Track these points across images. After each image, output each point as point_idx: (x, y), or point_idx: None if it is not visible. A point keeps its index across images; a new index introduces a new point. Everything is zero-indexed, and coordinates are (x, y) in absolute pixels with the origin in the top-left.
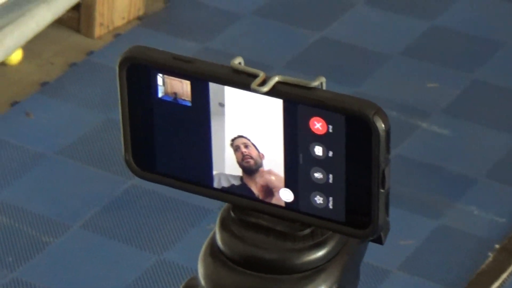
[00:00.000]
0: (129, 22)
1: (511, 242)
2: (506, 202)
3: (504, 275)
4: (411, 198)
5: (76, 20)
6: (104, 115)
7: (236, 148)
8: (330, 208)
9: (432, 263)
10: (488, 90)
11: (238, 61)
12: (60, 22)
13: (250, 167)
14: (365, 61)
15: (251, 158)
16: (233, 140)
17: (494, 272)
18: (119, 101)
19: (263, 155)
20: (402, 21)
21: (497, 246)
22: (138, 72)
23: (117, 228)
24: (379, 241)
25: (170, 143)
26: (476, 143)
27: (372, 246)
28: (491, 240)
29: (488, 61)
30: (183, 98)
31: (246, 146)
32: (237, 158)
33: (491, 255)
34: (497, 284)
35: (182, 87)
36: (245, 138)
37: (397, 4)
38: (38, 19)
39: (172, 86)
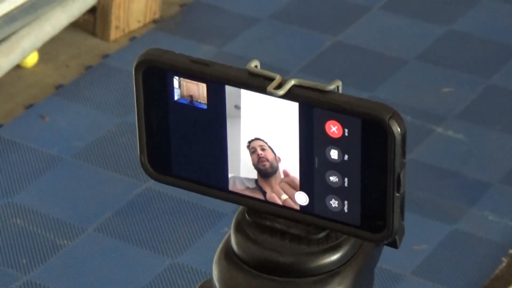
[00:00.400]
0: (144, 25)
1: None
2: None
3: None
4: (425, 203)
5: (92, 23)
6: (119, 118)
7: (252, 151)
8: (345, 212)
9: (446, 268)
10: (504, 95)
11: (254, 64)
12: (75, 25)
13: (266, 170)
14: (381, 66)
15: (267, 161)
16: (250, 142)
17: (508, 277)
18: (135, 104)
19: (279, 158)
20: (418, 25)
21: (511, 251)
22: (154, 74)
23: (131, 231)
24: (394, 245)
25: (186, 145)
26: (491, 148)
27: (386, 250)
28: (505, 245)
29: (504, 66)
30: (199, 101)
31: (262, 149)
32: (253, 160)
33: (505, 260)
34: None
35: (198, 90)
36: (262, 140)
37: (413, 8)
38: (54, 22)
39: (188, 89)
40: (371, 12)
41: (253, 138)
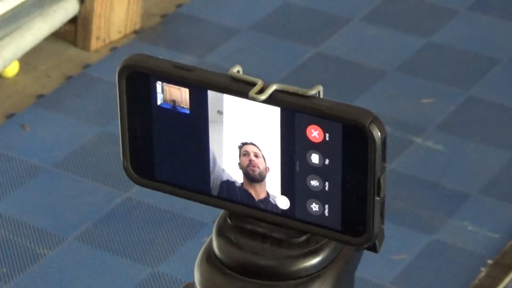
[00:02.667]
0: (125, 36)
1: (504, 258)
2: (500, 218)
3: None
4: (405, 213)
5: (73, 33)
6: (99, 128)
7: (244, 153)
8: (326, 216)
9: (425, 278)
10: (483, 106)
11: (236, 69)
12: (56, 35)
13: (254, 176)
14: (361, 77)
15: (258, 168)
16: (243, 144)
17: (487, 287)
18: (118, 108)
19: (268, 168)
20: (398, 37)
21: (490, 261)
22: (137, 79)
23: (112, 241)
24: (374, 249)
25: (169, 150)
26: (470, 159)
27: (365, 260)
28: (484, 255)
29: (483, 77)
30: (181, 105)
31: (256, 156)
32: (242, 162)
33: (483, 270)
34: None
35: (181, 95)
36: (257, 147)
37: (393, 20)
38: (35, 32)
39: (171, 94)
40: (352, 23)
41: (248, 141)
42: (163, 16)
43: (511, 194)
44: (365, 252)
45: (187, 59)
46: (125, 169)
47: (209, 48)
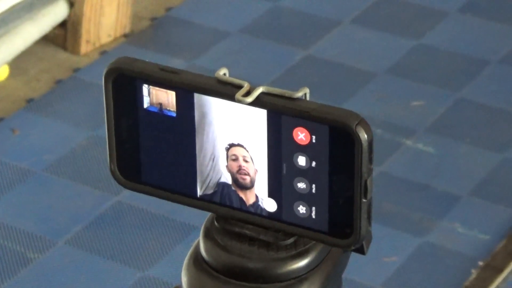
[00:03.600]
0: (115, 39)
1: (494, 260)
2: (490, 220)
3: None
4: (395, 215)
5: (62, 37)
6: (89, 132)
7: (233, 158)
8: (313, 218)
9: (415, 280)
10: (473, 108)
11: (223, 72)
12: (46, 39)
13: (246, 185)
14: (351, 79)
15: (248, 175)
16: (230, 146)
17: None
18: (105, 111)
19: (256, 170)
20: (388, 39)
21: (480, 263)
22: (124, 82)
23: (102, 244)
24: (361, 251)
25: (156, 153)
26: (460, 161)
27: (356, 262)
28: (474, 257)
29: (473, 79)
30: (168, 108)
31: (245, 160)
32: (230, 167)
33: (474, 272)
34: None
35: (168, 98)
36: (245, 149)
37: (383, 22)
38: (25, 36)
39: (158, 97)
40: (341, 26)
41: (235, 143)
42: (153, 20)
43: (501, 196)
44: (356, 254)
45: (177, 62)
46: (112, 172)
47: (199, 51)
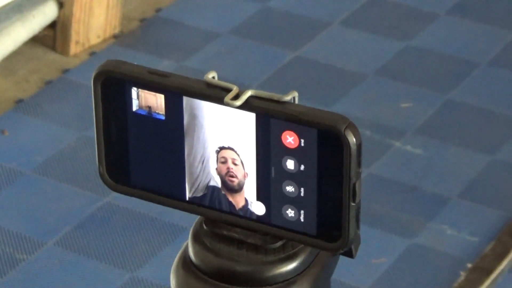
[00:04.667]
0: (104, 40)
1: (483, 261)
2: (479, 222)
3: None
4: (384, 217)
5: (51, 38)
6: (78, 132)
7: (222, 161)
8: (301, 221)
9: (404, 282)
10: (462, 110)
11: (211, 75)
12: (35, 40)
13: (233, 187)
14: (340, 81)
15: (236, 177)
16: (220, 149)
17: None
18: (94, 114)
19: (247, 174)
20: (377, 41)
21: (469, 265)
22: (113, 85)
23: (91, 246)
24: (350, 254)
25: (144, 156)
26: (449, 162)
27: (344, 264)
28: (463, 259)
29: (462, 81)
30: (157, 111)
31: (234, 163)
32: (220, 170)
33: (463, 274)
34: None
35: (156, 101)
36: (235, 152)
37: (372, 24)
38: (14, 37)
39: (146, 100)
40: (331, 27)
41: (225, 146)
42: (143, 20)
43: (490, 198)
44: (344, 256)
45: (166, 64)
46: (101, 175)
47: (188, 52)
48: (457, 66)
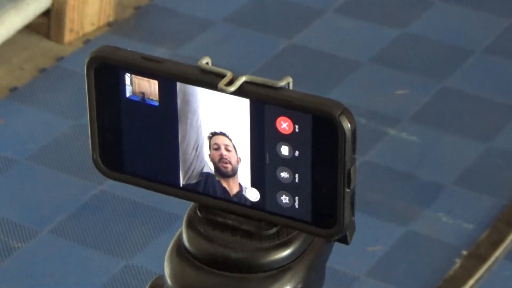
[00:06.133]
0: (99, 28)
1: (478, 249)
2: (474, 209)
3: (471, 282)
4: (379, 204)
5: (46, 26)
6: (73, 120)
7: (215, 147)
8: (296, 208)
9: (399, 269)
10: (457, 97)
11: (205, 61)
12: (30, 28)
13: (227, 172)
14: (335, 68)
15: (230, 163)
16: (212, 135)
17: (461, 278)
18: (87, 100)
19: (240, 159)
20: (372, 28)
21: (464, 252)
22: (106, 71)
23: (85, 234)
24: (345, 241)
25: (138, 142)
26: (444, 150)
27: (340, 251)
28: (458, 246)
29: (458, 69)
30: (150, 98)
31: (227, 150)
32: (213, 156)
33: (458, 261)
34: None
35: (150, 87)
36: (227, 137)
37: (367, 11)
38: (8, 25)
39: (140, 86)
40: (326, 15)
41: (218, 131)
42: (137, 8)
43: (485, 185)
44: (340, 243)
45: (161, 51)
46: (94, 162)
47: (183, 40)
48: (452, 53)
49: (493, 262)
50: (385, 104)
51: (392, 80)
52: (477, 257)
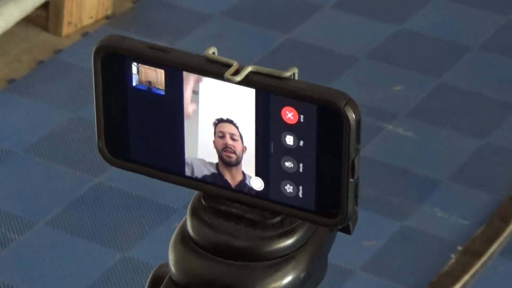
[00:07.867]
0: (97, 21)
1: (474, 244)
2: (469, 205)
3: (466, 277)
4: (375, 199)
5: (44, 18)
6: (71, 113)
7: (220, 135)
8: (300, 197)
9: (395, 264)
10: (454, 93)
11: (212, 51)
12: (28, 20)
13: (231, 161)
14: (332, 63)
15: (235, 153)
16: (218, 121)
17: (457, 273)
18: (94, 89)
19: (245, 147)
20: (369, 24)
21: (459, 248)
22: (113, 60)
23: (82, 226)
24: (347, 230)
25: (144, 131)
26: (440, 146)
27: (336, 246)
28: (454, 242)
29: (454, 65)
30: (157, 87)
31: (232, 139)
32: (217, 144)
33: (453, 256)
34: (458, 286)
35: (156, 76)
36: (234, 125)
37: (365, 7)
38: (6, 17)
39: (147, 75)
40: (323, 10)
41: (224, 118)
42: (135, 2)
43: (481, 181)
44: (337, 237)
45: None
46: (100, 150)
47: (181, 34)
48: (449, 49)
49: (488, 258)
50: (381, 100)
51: (389, 75)
52: (472, 253)
